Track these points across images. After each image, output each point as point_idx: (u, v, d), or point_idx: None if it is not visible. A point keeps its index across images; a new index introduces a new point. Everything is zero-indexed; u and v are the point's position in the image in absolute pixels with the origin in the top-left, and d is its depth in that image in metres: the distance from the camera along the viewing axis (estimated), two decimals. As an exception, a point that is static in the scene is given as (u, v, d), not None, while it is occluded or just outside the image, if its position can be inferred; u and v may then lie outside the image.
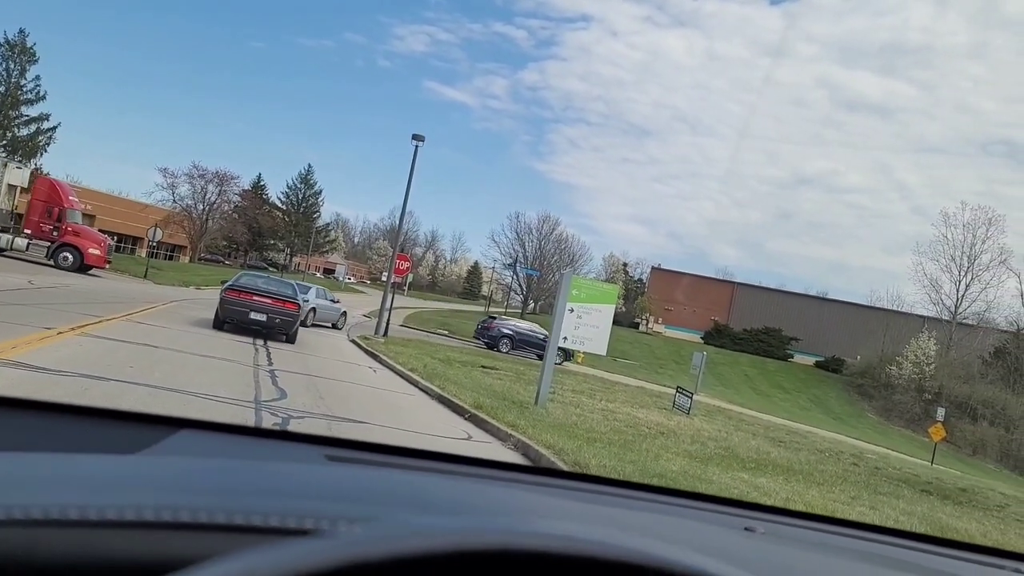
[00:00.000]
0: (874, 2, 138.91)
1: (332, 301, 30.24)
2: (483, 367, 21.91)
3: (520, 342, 36.53)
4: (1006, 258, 68.50)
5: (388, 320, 28.85)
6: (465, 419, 12.13)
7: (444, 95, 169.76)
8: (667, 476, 9.54)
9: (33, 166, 55.28)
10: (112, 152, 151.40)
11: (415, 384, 15.39)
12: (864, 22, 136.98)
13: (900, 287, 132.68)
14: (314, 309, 27.47)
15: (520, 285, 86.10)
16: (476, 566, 0.61)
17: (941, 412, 36.17)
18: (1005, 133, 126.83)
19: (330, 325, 29.36)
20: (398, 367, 17.57)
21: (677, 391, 22.04)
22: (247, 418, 8.35)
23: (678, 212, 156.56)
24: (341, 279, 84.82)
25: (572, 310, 14.85)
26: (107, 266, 35.09)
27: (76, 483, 0.83)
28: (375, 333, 27.48)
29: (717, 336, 76.55)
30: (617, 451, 10.86)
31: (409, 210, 34.62)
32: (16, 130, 59.18)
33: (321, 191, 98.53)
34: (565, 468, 8.76)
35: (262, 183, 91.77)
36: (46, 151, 61.06)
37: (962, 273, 70.20)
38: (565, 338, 14.92)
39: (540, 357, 33.80)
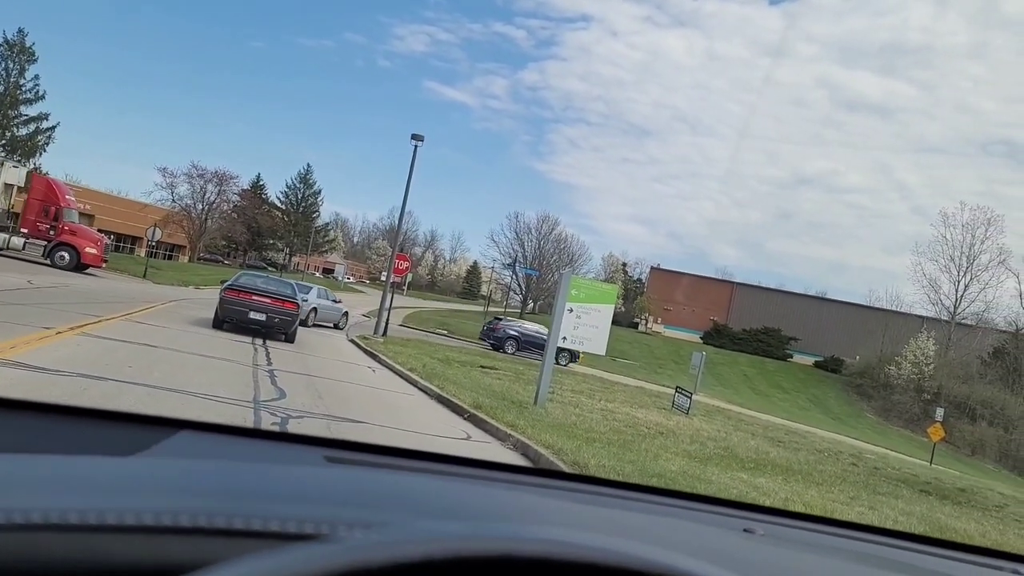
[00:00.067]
0: (874, 2, 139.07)
1: (334, 301, 30.22)
2: (482, 367, 21.90)
3: (526, 343, 36.38)
4: (1005, 258, 68.61)
5: (387, 320, 28.84)
6: (464, 419, 12.13)
7: (444, 95, 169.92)
8: (666, 476, 9.54)
9: (32, 166, 55.29)
10: (111, 152, 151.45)
11: (414, 384, 15.38)
12: (864, 22, 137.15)
13: (899, 287, 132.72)
14: (315, 309, 27.46)
15: (519, 285, 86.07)
16: (479, 570, 0.61)
17: (940, 412, 36.20)
18: (1005, 133, 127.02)
19: (332, 325, 29.34)
20: (397, 367, 17.56)
21: (676, 391, 22.04)
22: (246, 418, 8.35)
23: (678, 212, 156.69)
24: (340, 279, 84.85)
25: (571, 310, 14.85)
26: (104, 265, 35.06)
27: (75, 486, 0.83)
28: (374, 333, 27.47)
29: (716, 336, 76.57)
30: (616, 451, 10.86)
31: (408, 210, 34.67)
32: (15, 129, 59.12)
33: (320, 191, 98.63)
34: (564, 468, 8.77)
35: (261, 183, 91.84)
36: (45, 151, 61.07)
37: (961, 273, 70.31)
38: (564, 338, 14.92)
39: None
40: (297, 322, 18.80)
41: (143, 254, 56.23)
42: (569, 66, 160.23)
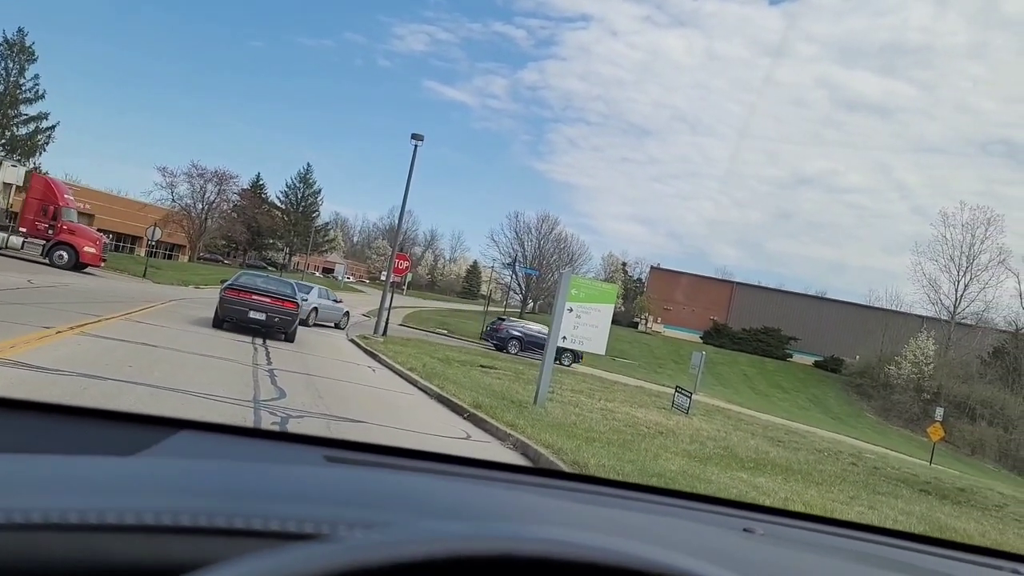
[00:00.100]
0: (874, 2, 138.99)
1: (335, 301, 30.21)
2: (482, 366, 21.91)
3: (529, 344, 36.31)
4: (1005, 258, 68.62)
5: (387, 319, 28.84)
6: (464, 418, 12.13)
7: (444, 95, 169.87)
8: (666, 476, 9.54)
9: (32, 165, 55.29)
10: (111, 151, 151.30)
11: (414, 383, 15.38)
12: (864, 22, 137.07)
13: (899, 287, 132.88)
14: (316, 309, 27.46)
15: (519, 284, 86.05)
16: (479, 570, 0.61)
17: (940, 412, 36.21)
18: (1005, 133, 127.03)
19: (333, 325, 29.33)
20: (397, 366, 17.57)
21: (676, 391, 22.04)
22: (246, 418, 8.35)
23: (677, 212, 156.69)
24: (340, 278, 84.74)
25: (571, 309, 14.85)
26: (103, 264, 35.06)
27: (75, 486, 0.83)
28: (374, 332, 27.46)
29: (716, 336, 76.59)
30: (616, 451, 10.86)
31: (408, 209, 34.68)
32: (15, 129, 59.13)
33: (320, 190, 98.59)
34: (564, 468, 8.77)
35: (261, 182, 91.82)
36: (45, 150, 61.08)
37: (961, 273, 70.32)
38: (564, 337, 14.92)
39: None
40: (297, 321, 18.84)
41: (143, 253, 56.23)
42: (569, 66, 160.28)
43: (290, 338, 18.37)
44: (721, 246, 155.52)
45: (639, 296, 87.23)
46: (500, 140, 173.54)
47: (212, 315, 18.53)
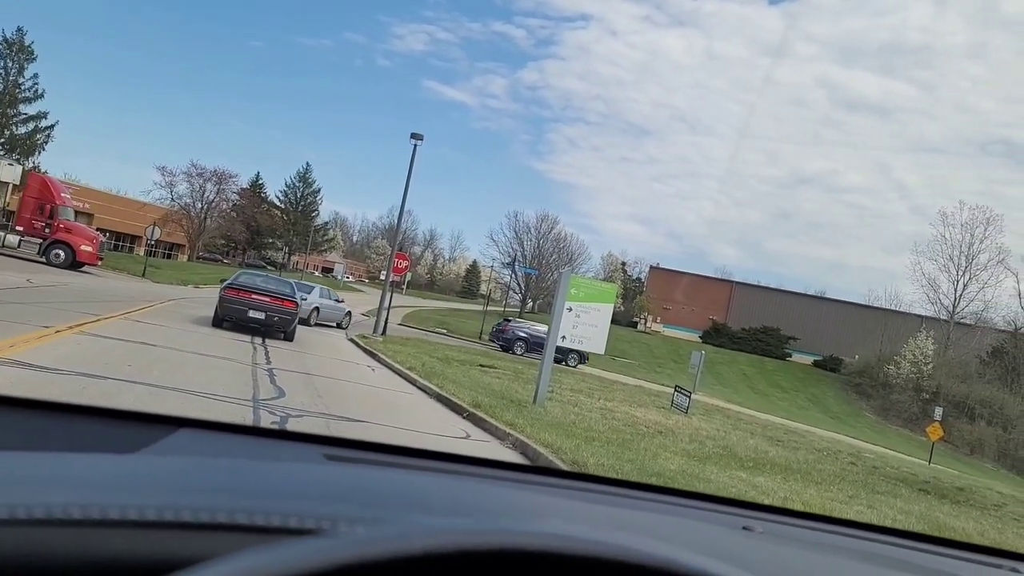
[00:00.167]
0: (873, 2, 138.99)
1: (336, 301, 30.19)
2: (481, 366, 21.91)
3: (535, 344, 36.22)
4: (1004, 258, 68.63)
5: (386, 319, 28.84)
6: (463, 418, 12.13)
7: (443, 94, 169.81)
8: (665, 475, 9.54)
9: (31, 164, 55.30)
10: (110, 151, 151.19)
11: (413, 383, 15.38)
12: (863, 22, 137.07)
13: (898, 287, 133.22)
14: (317, 308, 27.47)
15: (518, 284, 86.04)
16: (478, 566, 0.61)
17: (939, 411, 36.22)
18: (1004, 133, 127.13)
19: (335, 325, 29.32)
20: (396, 366, 17.57)
21: (675, 390, 22.05)
22: (245, 417, 8.35)
23: (677, 211, 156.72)
24: (339, 278, 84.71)
25: (570, 309, 14.85)
26: (100, 263, 35.03)
27: (76, 483, 0.83)
28: (373, 332, 27.47)
29: (715, 335, 76.59)
30: (615, 450, 10.86)
31: (408, 209, 34.69)
32: (14, 128, 59.10)
33: (320, 190, 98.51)
34: (563, 467, 8.77)
35: (260, 182, 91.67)
36: (44, 149, 61.06)
37: (960, 273, 70.34)
38: (563, 337, 14.92)
39: (556, 360, 33.82)
40: (296, 321, 18.89)
41: (142, 253, 56.18)
42: (568, 65, 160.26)
43: (289, 337, 18.42)
44: (720, 246, 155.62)
45: (638, 296, 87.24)
46: (500, 140, 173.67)
47: (211, 314, 18.59)
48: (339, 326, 29.48)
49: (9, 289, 17.78)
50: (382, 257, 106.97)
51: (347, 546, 0.58)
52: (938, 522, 11.24)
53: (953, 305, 70.44)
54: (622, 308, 77.37)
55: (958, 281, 70.34)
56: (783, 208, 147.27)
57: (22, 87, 59.32)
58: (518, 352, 35.71)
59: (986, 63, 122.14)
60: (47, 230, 33.05)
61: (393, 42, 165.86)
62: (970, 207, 71.08)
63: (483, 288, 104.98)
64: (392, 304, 31.36)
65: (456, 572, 0.61)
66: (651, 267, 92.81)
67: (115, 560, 0.70)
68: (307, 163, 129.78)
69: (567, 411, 14.47)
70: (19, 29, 58.88)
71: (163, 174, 69.72)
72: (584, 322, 15.03)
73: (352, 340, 24.07)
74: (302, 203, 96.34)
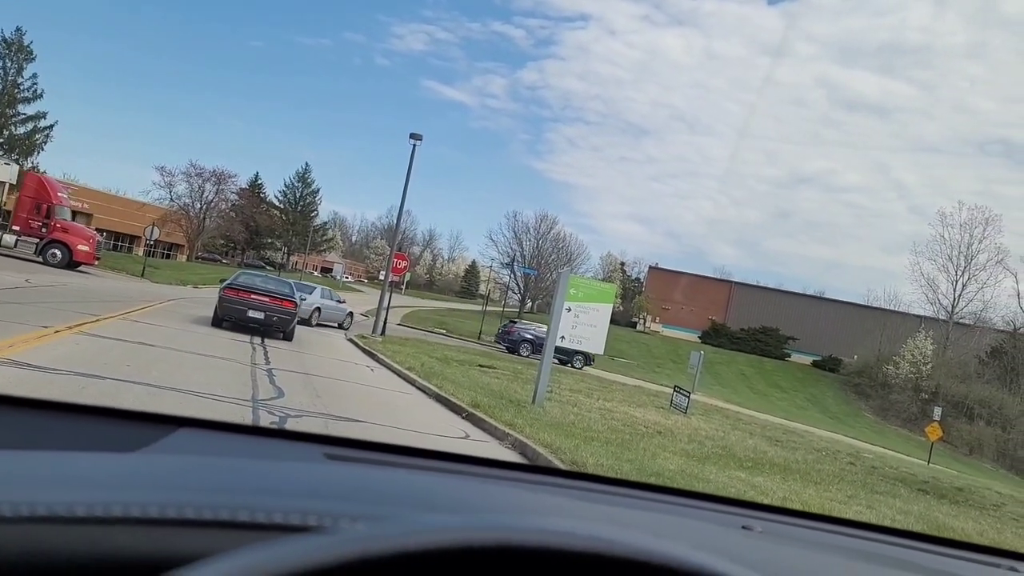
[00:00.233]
0: (873, 2, 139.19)
1: (338, 302, 30.15)
2: (480, 366, 21.92)
3: (541, 346, 36.27)
4: (1003, 258, 68.64)
5: (385, 318, 28.84)
6: (463, 418, 12.13)
7: (443, 94, 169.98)
8: (664, 475, 9.55)
9: (31, 164, 55.28)
10: (110, 150, 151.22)
11: (412, 383, 15.38)
12: (863, 22, 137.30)
13: (897, 287, 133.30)
14: (318, 309, 27.46)
15: (517, 284, 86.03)
16: (479, 563, 0.61)
17: (938, 411, 36.22)
18: (1003, 133, 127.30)
19: (336, 325, 29.29)
20: (395, 366, 17.57)
21: (674, 390, 22.06)
22: (244, 417, 8.35)
23: (676, 211, 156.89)
24: (339, 278, 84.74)
25: (569, 309, 14.85)
26: (96, 263, 34.98)
27: (79, 481, 0.83)
28: (372, 332, 27.46)
29: (714, 335, 76.61)
30: (614, 450, 10.87)
31: (407, 209, 34.64)
32: (13, 128, 59.07)
33: (319, 190, 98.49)
34: (562, 467, 8.77)
35: (259, 182, 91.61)
36: (43, 149, 61.07)
37: (959, 273, 70.36)
38: (563, 337, 14.92)
39: (562, 362, 33.82)
40: (295, 321, 18.94)
41: (141, 253, 56.18)
42: (567, 65, 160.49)
43: (288, 337, 18.46)
44: (719, 245, 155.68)
45: (637, 296, 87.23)
46: (499, 139, 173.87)
47: (210, 314, 18.67)
48: (341, 326, 29.46)
49: (7, 289, 17.77)
50: (381, 257, 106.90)
51: (348, 543, 0.58)
52: (937, 522, 11.25)
53: (952, 305, 70.48)
54: (621, 308, 77.39)
55: (957, 281, 70.44)
56: (782, 208, 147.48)
57: (21, 87, 59.30)
58: (523, 354, 35.62)
59: (985, 63, 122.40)
60: (44, 230, 33.01)
61: (392, 42, 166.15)
62: (969, 207, 71.23)
63: (482, 288, 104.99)
64: (391, 304, 31.35)
65: (456, 569, 0.61)
66: (650, 267, 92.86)
67: (118, 557, 0.70)
68: (306, 163, 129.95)
69: (566, 411, 14.47)
70: (18, 29, 58.94)
71: (162, 174, 69.78)
72: (583, 322, 15.03)
73: (351, 340, 24.06)
74: (301, 203, 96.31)
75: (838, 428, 43.16)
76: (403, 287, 44.82)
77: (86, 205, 54.41)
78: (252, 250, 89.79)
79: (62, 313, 14.18)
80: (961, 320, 70.12)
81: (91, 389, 7.96)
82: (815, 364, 73.43)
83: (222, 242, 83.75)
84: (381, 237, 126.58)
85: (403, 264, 34.15)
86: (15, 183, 36.80)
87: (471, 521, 0.66)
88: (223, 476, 0.95)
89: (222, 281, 21.07)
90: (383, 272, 35.35)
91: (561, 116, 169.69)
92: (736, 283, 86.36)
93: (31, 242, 33.00)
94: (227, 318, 17.97)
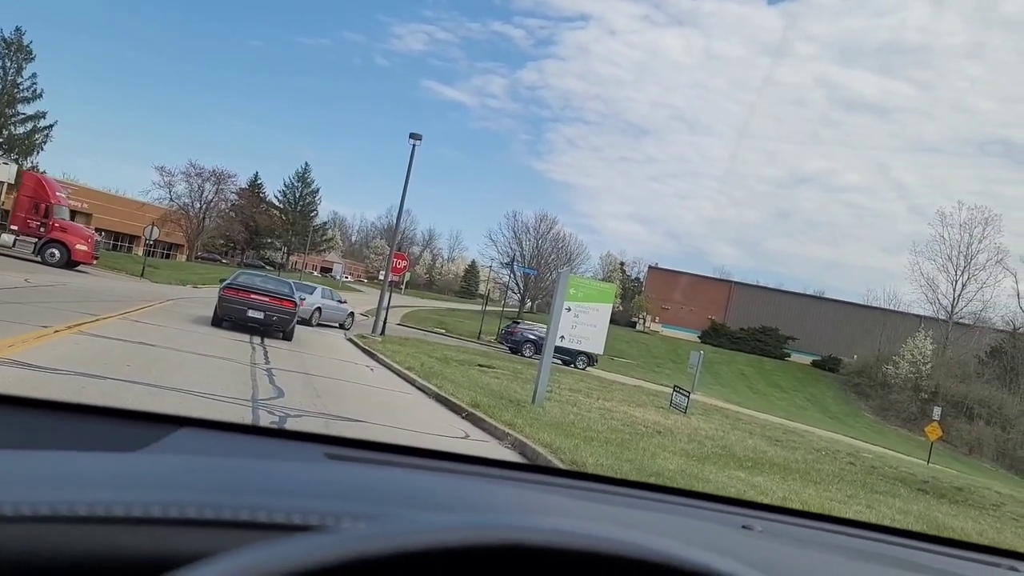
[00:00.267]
0: (872, 2, 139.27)
1: (339, 302, 30.12)
2: (480, 366, 21.91)
3: None
4: (1003, 257, 68.66)
5: (385, 318, 28.83)
6: (462, 418, 12.12)
7: (442, 94, 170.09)
8: (664, 475, 9.55)
9: (30, 164, 55.25)
10: (109, 150, 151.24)
11: (412, 383, 15.38)
12: (862, 22, 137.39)
13: (897, 286, 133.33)
14: (319, 309, 27.45)
15: (517, 284, 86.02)
16: (480, 563, 0.61)
17: (937, 411, 36.23)
18: (1003, 133, 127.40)
19: (337, 325, 29.28)
20: (395, 365, 17.57)
21: (674, 390, 22.06)
22: (244, 417, 8.34)
23: (676, 211, 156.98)
24: (338, 278, 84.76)
25: (569, 309, 14.85)
26: (95, 262, 34.95)
27: (80, 480, 0.83)
28: (372, 331, 27.46)
29: (714, 335, 76.61)
30: (614, 450, 10.87)
31: (406, 209, 34.66)
32: (12, 128, 59.03)
33: (318, 190, 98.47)
34: (562, 466, 8.77)
35: (259, 181, 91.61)
36: (43, 149, 60.94)
37: (959, 272, 70.36)
38: (562, 337, 14.93)
39: (566, 363, 33.83)
40: (295, 320, 18.96)
41: (141, 253, 56.16)
42: (567, 65, 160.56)
43: (288, 336, 18.49)
44: (719, 245, 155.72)
45: (637, 295, 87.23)
46: (499, 139, 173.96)
47: (209, 314, 18.72)
48: (342, 327, 29.45)
49: (7, 289, 17.77)
50: (381, 257, 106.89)
51: (350, 542, 0.58)
52: (937, 521, 11.25)
53: (952, 305, 70.49)
54: (621, 308, 77.40)
55: (956, 281, 70.44)
56: (782, 208, 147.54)
57: (20, 87, 59.24)
58: (527, 354, 35.59)
59: (985, 63, 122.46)
60: (42, 229, 32.98)
61: (392, 42, 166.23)
62: (969, 207, 71.25)
63: (482, 288, 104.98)
64: (391, 304, 31.35)
65: (457, 568, 0.61)
66: (650, 267, 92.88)
67: (120, 556, 0.70)
68: (306, 163, 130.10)
69: (566, 411, 14.48)
70: (17, 29, 58.85)
71: (162, 174, 69.77)
72: (583, 322, 15.03)
73: (351, 340, 24.05)
74: (301, 203, 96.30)
75: (838, 428, 43.17)
76: (403, 287, 44.83)
77: (86, 205, 54.44)
78: (252, 250, 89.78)
79: (62, 313, 14.18)
80: (961, 320, 70.13)
81: (91, 389, 7.95)
82: (815, 364, 73.44)
83: (222, 242, 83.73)
84: (381, 237, 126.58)
85: (403, 264, 34.15)
86: (13, 183, 36.76)
87: (474, 520, 0.66)
88: (225, 476, 0.95)
89: (222, 281, 21.10)
90: (383, 272, 35.35)
91: (561, 116, 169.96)
92: (736, 283, 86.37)
93: (29, 241, 32.98)
94: (227, 318, 18.00)
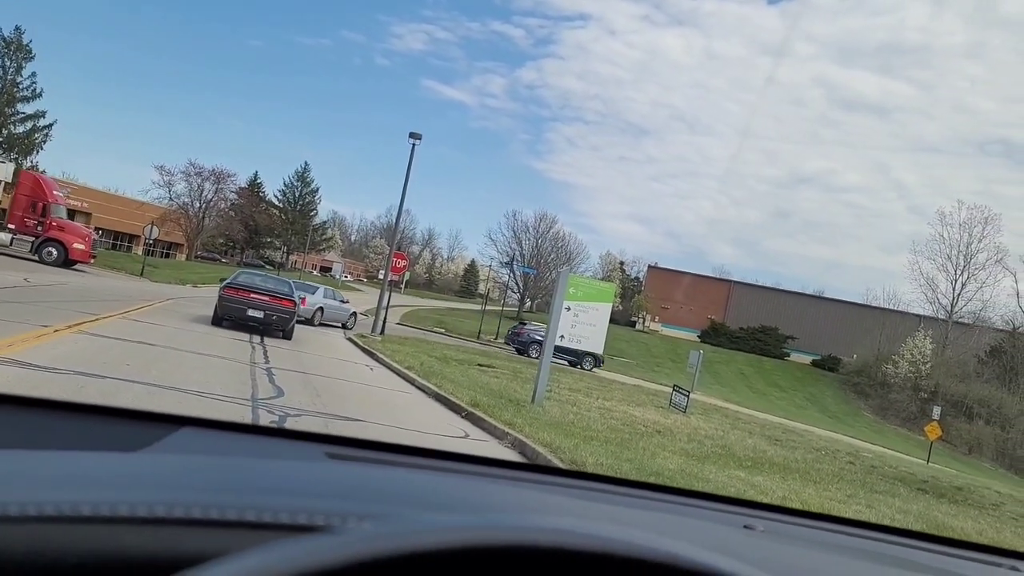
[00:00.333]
0: (871, 2, 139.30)
1: (341, 301, 30.10)
2: (480, 365, 21.91)
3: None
4: (1002, 257, 68.75)
5: (385, 318, 28.83)
6: (462, 417, 12.12)
7: (442, 93, 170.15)
8: (664, 474, 9.55)
9: (30, 163, 55.25)
10: (109, 150, 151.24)
11: (412, 382, 15.37)
12: (862, 22, 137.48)
13: (896, 286, 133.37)
14: (321, 309, 27.44)
15: (517, 283, 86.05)
16: (482, 563, 0.61)
17: (937, 411, 36.25)
18: (1002, 133, 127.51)
19: (340, 325, 29.27)
20: (395, 365, 17.56)
21: (674, 389, 22.06)
22: (244, 416, 8.34)
23: (675, 211, 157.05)
24: (338, 277, 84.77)
25: (569, 308, 14.85)
26: (92, 261, 34.93)
27: (84, 480, 0.83)
28: (372, 331, 27.45)
29: (714, 334, 76.63)
30: (614, 449, 10.87)
31: (406, 208, 34.66)
32: (12, 127, 59.02)
33: (318, 189, 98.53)
34: (562, 466, 8.77)
35: (259, 181, 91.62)
36: (42, 148, 61.01)
37: (958, 272, 70.42)
38: (562, 336, 14.93)
39: (572, 364, 33.81)
40: (294, 320, 19.00)
41: (140, 252, 56.14)
42: (567, 65, 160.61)
43: (287, 335, 18.52)
44: (719, 245, 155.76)
45: (637, 295, 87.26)
46: (498, 139, 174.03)
47: (209, 314, 18.77)
48: (344, 326, 29.44)
49: (7, 288, 17.76)
50: (380, 256, 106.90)
51: (358, 543, 0.58)
52: (936, 521, 11.25)
53: (951, 304, 70.53)
54: (620, 307, 77.42)
55: (956, 280, 70.50)
56: (781, 207, 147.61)
57: (20, 86, 59.25)
58: (533, 355, 35.52)
59: (984, 63, 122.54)
60: (39, 228, 32.95)
61: (392, 41, 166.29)
62: (968, 207, 71.33)
63: (481, 287, 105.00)
64: (390, 303, 31.33)
65: (458, 568, 0.61)
66: (649, 266, 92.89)
67: (125, 557, 0.70)
68: (305, 162, 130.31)
69: (565, 410, 14.47)
70: (17, 28, 58.88)
71: (161, 173, 69.77)
72: (582, 321, 15.04)
73: (350, 339, 24.05)
74: (300, 202, 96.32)
75: (837, 427, 43.18)
76: (402, 286, 44.83)
77: (85, 204, 54.46)
78: (251, 249, 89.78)
79: (61, 312, 14.18)
80: (960, 319, 70.18)
81: (91, 388, 7.95)
82: (814, 363, 73.47)
83: (221, 241, 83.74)
84: (380, 236, 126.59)
85: (402, 263, 34.15)
86: (11, 181, 36.75)
87: (483, 521, 0.66)
88: (228, 475, 0.95)
89: (221, 280, 21.12)
90: (382, 271, 35.34)
91: (560, 116, 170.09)
92: (735, 282, 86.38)
93: (27, 240, 32.95)
94: (227, 317, 18.04)
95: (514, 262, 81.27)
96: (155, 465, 1.04)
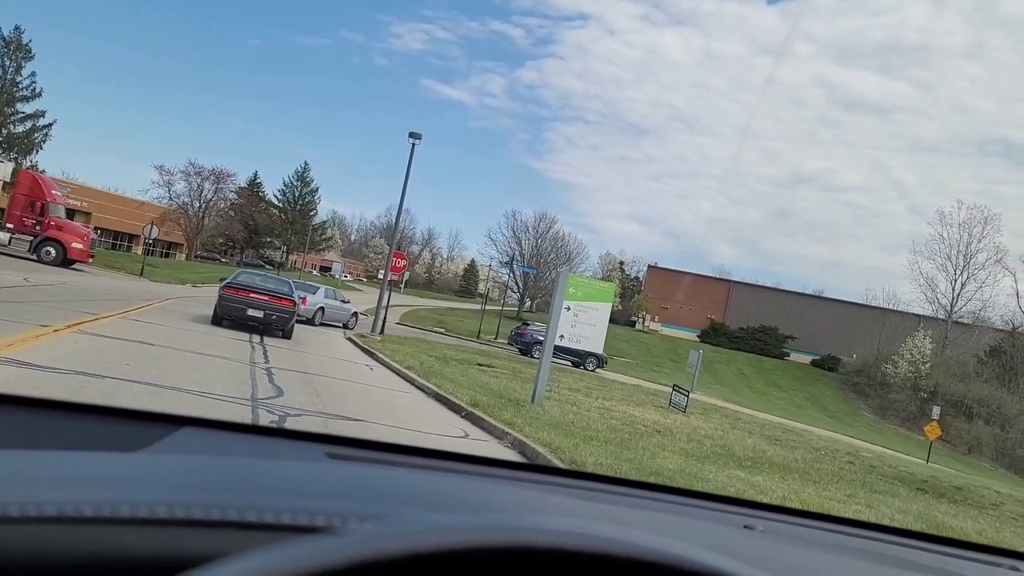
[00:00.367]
0: (871, 2, 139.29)
1: (343, 302, 30.10)
2: (479, 365, 21.91)
3: (555, 348, 36.09)
4: (1002, 257, 68.76)
5: (384, 318, 28.82)
6: (462, 417, 12.12)
7: (442, 93, 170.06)
8: (664, 474, 9.55)
9: (30, 163, 55.24)
10: (109, 149, 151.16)
11: (412, 382, 15.37)
12: (861, 21, 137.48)
13: (896, 286, 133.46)
14: (322, 309, 27.44)
15: (516, 283, 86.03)
16: (484, 563, 0.61)
17: (936, 411, 36.23)
18: (1002, 132, 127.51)
19: (340, 325, 29.27)
20: (395, 365, 17.56)
21: (673, 389, 22.05)
22: (244, 416, 8.34)
23: (675, 211, 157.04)
24: (337, 277, 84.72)
25: (568, 308, 14.85)
26: (90, 260, 34.92)
27: (84, 480, 0.83)
28: (372, 330, 27.44)
29: (713, 334, 76.62)
30: (614, 449, 10.87)
31: (406, 208, 34.64)
32: (12, 127, 59.00)
33: (317, 189, 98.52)
34: (562, 466, 8.77)
35: (258, 180, 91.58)
36: (42, 148, 61.02)
37: (958, 272, 70.42)
38: (561, 336, 14.93)
39: (575, 364, 33.78)
40: (294, 319, 19.03)
41: (140, 252, 56.12)
42: (566, 64, 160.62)
43: (287, 335, 18.54)
44: (718, 245, 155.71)
45: (636, 295, 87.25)
46: (498, 139, 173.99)
47: (209, 313, 18.80)
48: (345, 326, 29.44)
49: (6, 288, 17.75)
50: (380, 256, 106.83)
51: (361, 543, 0.58)
52: (936, 521, 11.25)
53: (951, 304, 70.54)
54: (620, 307, 77.42)
55: (956, 280, 70.50)
56: (781, 207, 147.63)
57: (20, 86, 59.25)
58: (536, 355, 35.55)
59: (984, 63, 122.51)
60: (38, 227, 32.94)
61: (391, 41, 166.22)
62: (968, 206, 71.34)
63: (481, 287, 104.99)
64: (390, 303, 31.32)
65: (459, 568, 0.61)
66: (649, 266, 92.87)
67: (126, 557, 0.70)
68: (305, 162, 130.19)
69: (565, 410, 14.47)
70: (17, 27, 58.91)
71: (161, 173, 69.77)
72: (582, 321, 15.03)
73: (350, 339, 24.05)
74: (300, 202, 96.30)
75: (837, 427, 43.18)
76: (402, 286, 44.82)
77: (85, 204, 54.44)
78: (251, 249, 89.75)
79: (61, 312, 14.17)
80: (960, 319, 70.18)
81: (90, 388, 7.95)
82: (814, 363, 73.46)
83: (221, 241, 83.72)
84: (380, 236, 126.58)
85: (402, 263, 34.13)
86: (10, 180, 36.73)
87: (486, 521, 0.66)
88: (229, 476, 0.95)
89: (221, 280, 21.13)
90: (382, 271, 35.32)
91: (560, 115, 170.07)
92: (735, 282, 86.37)
93: (25, 240, 32.94)
94: (227, 317, 18.06)
95: (514, 262, 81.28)
96: (155, 465, 1.04)
